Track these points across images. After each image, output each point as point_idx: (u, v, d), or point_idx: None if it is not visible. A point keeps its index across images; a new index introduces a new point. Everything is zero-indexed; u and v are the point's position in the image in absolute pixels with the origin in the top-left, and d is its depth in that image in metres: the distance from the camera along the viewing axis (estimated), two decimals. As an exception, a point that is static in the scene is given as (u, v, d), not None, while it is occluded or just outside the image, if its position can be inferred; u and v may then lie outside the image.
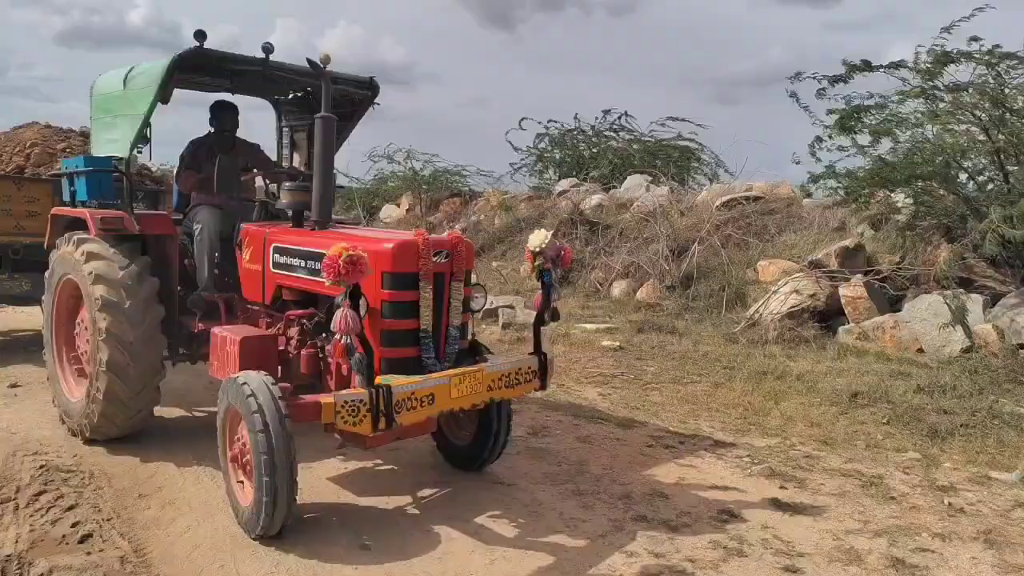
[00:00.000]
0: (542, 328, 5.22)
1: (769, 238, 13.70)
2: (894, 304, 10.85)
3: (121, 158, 6.04)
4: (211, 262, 6.06)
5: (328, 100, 5.22)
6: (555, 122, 22.21)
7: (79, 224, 6.14)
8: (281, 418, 4.27)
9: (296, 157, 7.23)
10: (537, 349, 5.18)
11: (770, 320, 11.00)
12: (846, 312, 10.78)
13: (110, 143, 6.15)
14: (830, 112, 11.26)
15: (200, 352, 6.23)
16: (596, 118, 22.00)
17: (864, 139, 11.51)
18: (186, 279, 6.23)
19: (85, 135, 10.79)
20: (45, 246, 6.77)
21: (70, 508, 5.00)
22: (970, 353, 8.97)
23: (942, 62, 10.24)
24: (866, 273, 11.09)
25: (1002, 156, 10.74)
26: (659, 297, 13.28)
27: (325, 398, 4.40)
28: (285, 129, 7.38)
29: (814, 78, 11.22)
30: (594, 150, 21.96)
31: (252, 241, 5.74)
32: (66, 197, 6.56)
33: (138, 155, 5.97)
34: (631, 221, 15.91)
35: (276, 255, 5.47)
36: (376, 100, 6.66)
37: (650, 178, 18.35)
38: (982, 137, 10.71)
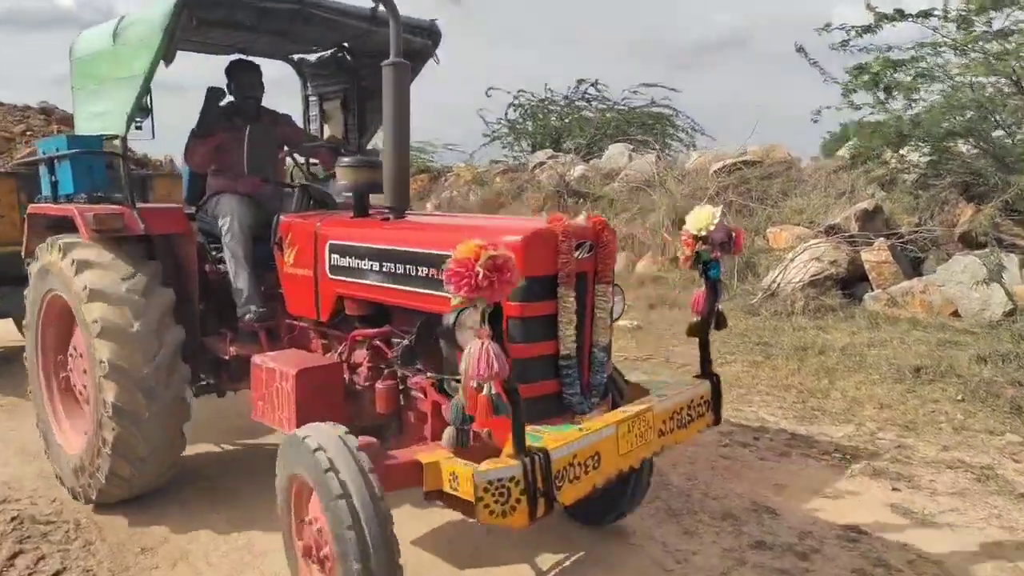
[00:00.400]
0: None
1: (773, 203, 12.18)
2: (915, 267, 9.63)
3: (115, 136, 4.20)
4: (252, 266, 4.27)
5: (399, 41, 3.45)
6: (525, 92, 20.12)
7: (66, 225, 4.27)
8: (377, 503, 2.68)
9: (327, 131, 5.41)
10: (706, 370, 3.51)
11: (791, 290, 9.58)
12: (870, 278, 9.52)
13: (99, 117, 4.33)
14: (858, 67, 9.78)
15: (231, 383, 4.47)
16: (569, 87, 19.97)
17: (880, 95, 10.15)
18: (207, 290, 4.43)
19: (47, 112, 8.38)
20: (23, 253, 4.87)
21: (56, 574, 3.72)
22: (1014, 316, 7.73)
23: (986, 7, 8.75)
24: (888, 236, 9.71)
25: None
26: (662, 270, 11.73)
27: (426, 454, 2.88)
28: (312, 98, 5.55)
29: (842, 29, 9.71)
30: (566, 120, 20.00)
31: (297, 238, 3.97)
32: (45, 190, 4.65)
33: (137, 131, 4.13)
34: (622, 191, 14.27)
35: (335, 256, 3.72)
36: (436, 51, 4.84)
37: (632, 147, 16.67)
38: (1007, 89, 9.37)
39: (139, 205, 4.18)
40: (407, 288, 3.35)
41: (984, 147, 9.89)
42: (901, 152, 10.98)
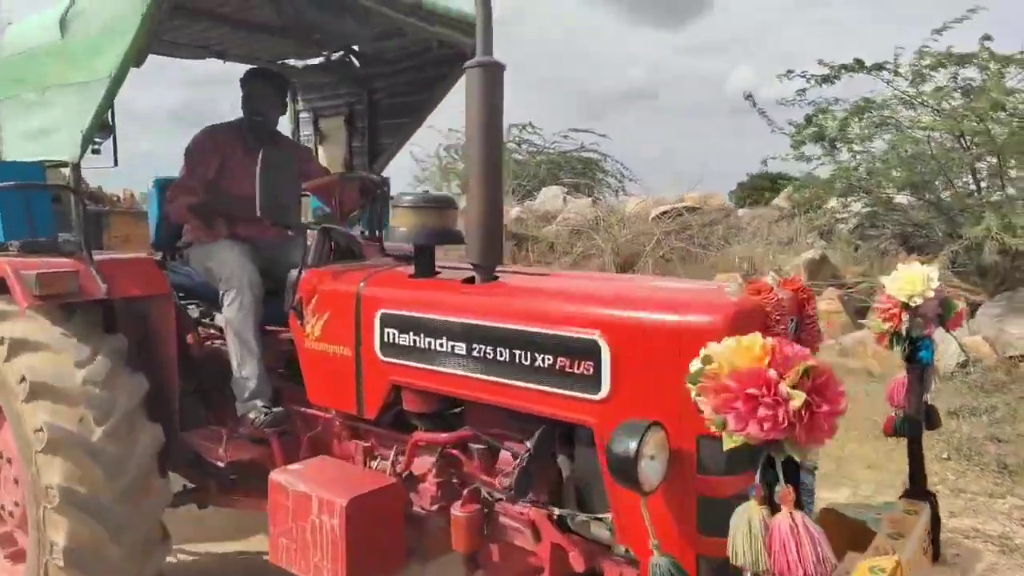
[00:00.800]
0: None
1: (714, 250, 11.37)
2: (861, 317, 8.95)
3: (61, 163, 2.83)
4: (262, 349, 2.95)
5: (489, 33, 2.24)
6: (456, 131, 18.67)
7: None
8: None
9: (322, 154, 4.05)
10: (920, 486, 2.38)
11: (746, 340, 8.78)
12: (821, 328, 8.67)
13: (38, 137, 2.93)
14: (817, 113, 9.13)
15: (224, 496, 3.10)
16: None
17: (826, 146, 9.59)
18: (187, 366, 3.05)
19: None
20: None
21: None
22: (967, 367, 7.15)
23: (944, 63, 8.20)
24: (840, 287, 9.08)
25: (975, 166, 9.00)
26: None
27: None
28: (304, 114, 4.19)
29: (803, 76, 9.02)
30: (497, 162, 18.61)
31: (329, 302, 2.66)
32: None
33: (95, 155, 2.78)
34: (561, 234, 13.23)
35: (390, 330, 2.44)
36: None
37: (566, 190, 15.68)
38: (949, 144, 8.89)
39: (96, 256, 2.78)
40: (514, 382, 2.13)
41: (930, 199, 9.35)
42: (843, 201, 10.42)
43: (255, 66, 3.66)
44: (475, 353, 2.21)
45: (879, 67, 8.84)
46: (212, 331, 3.29)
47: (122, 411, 2.62)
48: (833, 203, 10.67)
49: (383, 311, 2.44)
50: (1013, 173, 8.90)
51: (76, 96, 2.71)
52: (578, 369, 1.99)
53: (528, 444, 2.14)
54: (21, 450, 2.63)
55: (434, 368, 2.32)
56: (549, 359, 2.05)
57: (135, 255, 3.09)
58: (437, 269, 2.55)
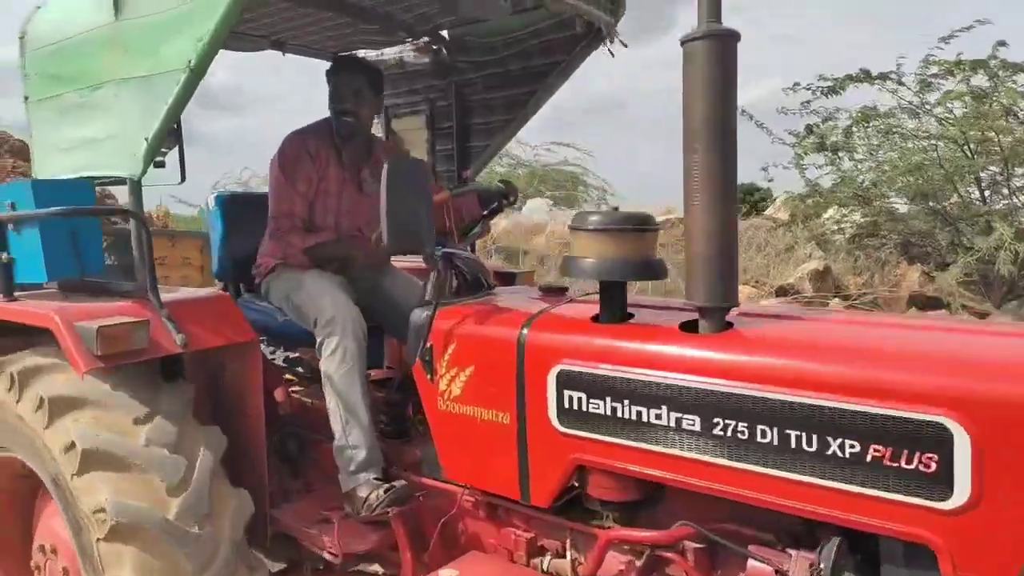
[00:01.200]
0: None
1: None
2: None
3: (114, 180, 2.06)
4: (370, 411, 2.20)
5: None
6: None
7: (24, 331, 2.00)
8: None
9: None
10: None
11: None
12: None
13: (85, 148, 2.14)
14: (825, 120, 8.60)
15: None
16: None
17: (829, 155, 9.07)
18: (273, 428, 2.28)
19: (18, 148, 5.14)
20: None
21: None
22: None
23: (953, 72, 7.69)
24: (846, 298, 8.52)
25: (980, 176, 8.51)
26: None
27: None
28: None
29: (808, 89, 8.48)
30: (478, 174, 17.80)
31: (473, 350, 1.90)
32: None
33: (158, 169, 2.03)
34: (555, 246, 12.51)
35: (571, 393, 1.70)
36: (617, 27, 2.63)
37: (552, 202, 14.95)
38: (957, 154, 8.38)
39: (162, 296, 2.00)
40: (786, 474, 1.41)
41: (936, 208, 8.83)
42: (842, 211, 9.87)
43: (345, 55, 2.89)
44: (716, 430, 1.49)
45: (884, 76, 8.33)
46: (293, 377, 2.54)
47: (202, 477, 1.87)
48: (831, 212, 10.14)
49: (561, 367, 1.70)
50: (1019, 183, 8.44)
51: (137, 94, 1.93)
52: (909, 464, 1.29)
53: (815, 558, 1.41)
54: (75, 539, 1.86)
55: (646, 447, 1.59)
56: (854, 446, 1.34)
57: (206, 291, 2.30)
58: (630, 311, 1.81)
